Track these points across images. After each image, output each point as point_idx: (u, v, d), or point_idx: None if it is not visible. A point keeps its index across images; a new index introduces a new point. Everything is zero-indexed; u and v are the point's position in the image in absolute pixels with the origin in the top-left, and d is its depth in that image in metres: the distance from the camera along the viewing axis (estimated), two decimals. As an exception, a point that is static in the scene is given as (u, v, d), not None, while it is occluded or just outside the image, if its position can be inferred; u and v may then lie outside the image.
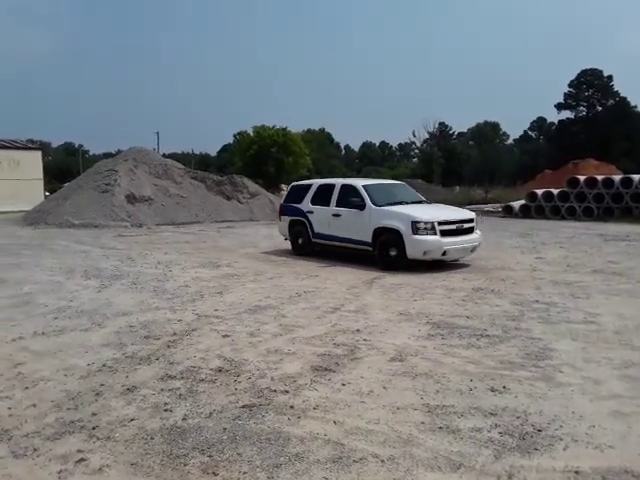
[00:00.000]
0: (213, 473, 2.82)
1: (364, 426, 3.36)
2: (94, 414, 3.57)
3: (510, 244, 13.33)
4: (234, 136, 58.29)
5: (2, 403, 3.78)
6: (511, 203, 24.11)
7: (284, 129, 46.54)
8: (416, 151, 75.24)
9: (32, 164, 38.93)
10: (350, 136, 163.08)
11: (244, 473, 2.81)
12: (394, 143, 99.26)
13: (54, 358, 4.77)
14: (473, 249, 9.84)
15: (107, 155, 56.89)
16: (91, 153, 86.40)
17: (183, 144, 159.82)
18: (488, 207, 27.58)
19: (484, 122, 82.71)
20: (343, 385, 4.04)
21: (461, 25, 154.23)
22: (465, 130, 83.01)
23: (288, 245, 12.27)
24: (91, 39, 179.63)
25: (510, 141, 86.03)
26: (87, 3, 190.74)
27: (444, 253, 9.26)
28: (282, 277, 8.91)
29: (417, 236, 9.03)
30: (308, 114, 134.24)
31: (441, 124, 71.33)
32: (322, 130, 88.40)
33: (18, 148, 39.73)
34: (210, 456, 2.99)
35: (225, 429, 3.32)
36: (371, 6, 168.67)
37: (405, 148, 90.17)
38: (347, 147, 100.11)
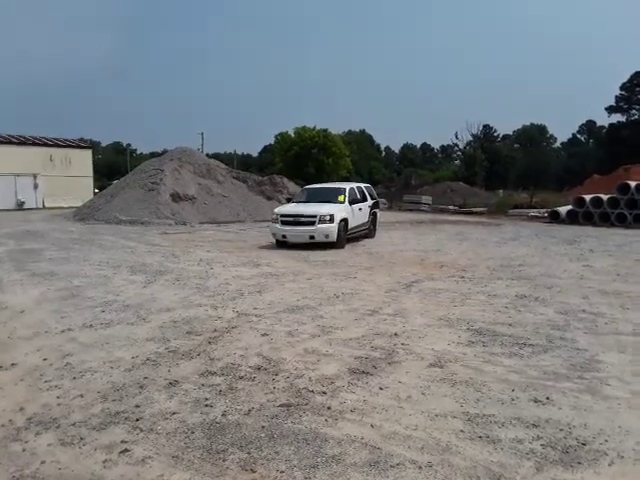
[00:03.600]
0: (251, 470, 2.86)
1: (402, 431, 3.33)
2: (137, 406, 3.69)
3: (556, 251, 12.90)
4: (275, 137, 58.89)
5: (52, 392, 3.96)
6: (557, 208, 23.33)
7: (325, 130, 46.72)
8: (459, 153, 73.88)
9: (83, 162, 40.62)
10: (391, 138, 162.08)
11: (281, 472, 2.84)
12: (436, 145, 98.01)
13: (101, 350, 4.96)
14: (311, 237, 12.89)
15: (153, 154, 58.54)
16: (138, 152, 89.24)
17: (226, 144, 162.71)
18: (533, 212, 26.78)
19: (530, 124, 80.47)
20: (380, 389, 4.02)
21: (508, 27, 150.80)
22: (510, 132, 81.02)
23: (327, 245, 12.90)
24: (140, 42, 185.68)
25: (557, 144, 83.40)
26: (135, 7, 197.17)
27: (284, 237, 13.18)
28: (320, 278, 8.95)
29: (273, 223, 13.54)
30: (349, 115, 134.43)
31: (485, 126, 69.92)
32: (363, 131, 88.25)
33: (70, 146, 41.48)
34: (248, 453, 3.04)
35: (263, 427, 3.36)
36: (419, 6, 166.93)
37: (447, 150, 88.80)
38: (387, 149, 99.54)
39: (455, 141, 69.98)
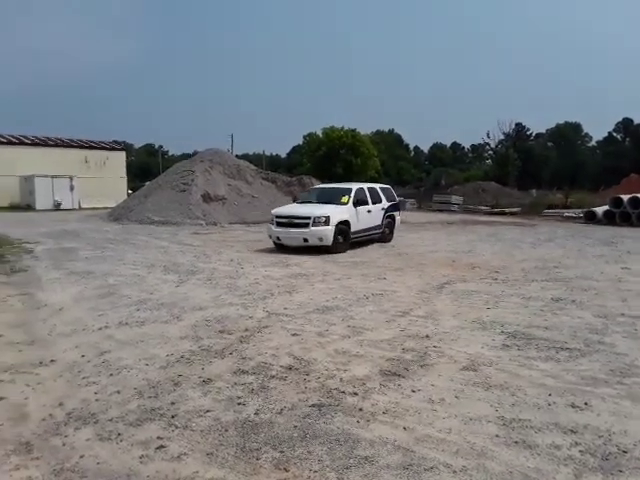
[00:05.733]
0: (284, 469, 2.88)
1: (435, 434, 3.29)
2: (173, 403, 3.76)
3: (593, 252, 12.54)
4: (304, 137, 59.13)
5: (90, 388, 4.07)
6: (594, 209, 22.71)
7: (353, 130, 46.57)
8: (490, 152, 72.52)
9: (117, 164, 41.69)
10: (420, 137, 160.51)
11: (314, 472, 2.85)
12: (466, 144, 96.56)
13: (136, 347, 5.07)
14: (305, 240, 12.13)
15: (185, 156, 59.61)
16: (170, 154, 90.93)
17: (255, 145, 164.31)
18: (568, 212, 26.11)
19: (564, 123, 78.40)
20: (413, 391, 3.98)
21: (540, 25, 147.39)
22: (543, 131, 79.12)
23: (356, 246, 12.76)
24: (172, 44, 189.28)
25: (592, 143, 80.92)
26: (168, 11, 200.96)
27: (278, 239, 12.61)
28: (350, 278, 8.93)
29: (270, 224, 13.01)
30: (378, 115, 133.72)
31: (517, 125, 68.45)
32: (391, 131, 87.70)
33: (104, 148, 42.61)
34: (281, 452, 3.06)
35: (296, 426, 3.38)
36: (450, 4, 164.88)
37: (478, 149, 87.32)
38: (416, 148, 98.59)
39: (486, 140, 68.85)
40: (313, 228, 12.08)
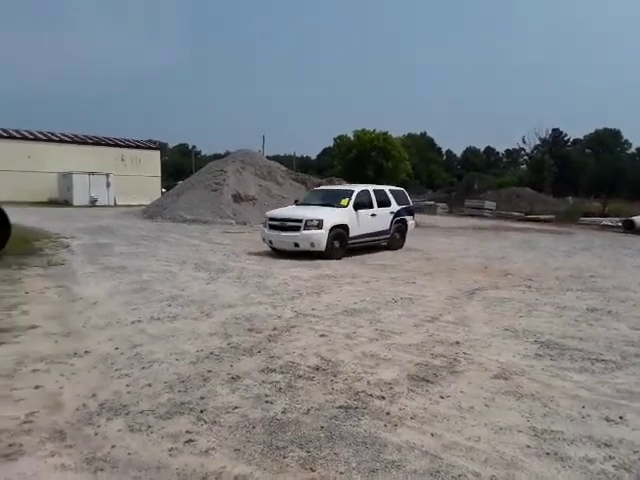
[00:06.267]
0: (311, 469, 2.88)
1: (464, 442, 3.24)
2: (202, 398, 3.81)
3: (631, 263, 12.13)
4: (334, 140, 59.11)
5: (122, 380, 4.16)
6: (633, 217, 21.96)
7: (385, 133, 46.34)
8: (525, 158, 70.99)
9: (151, 163, 42.69)
10: (452, 141, 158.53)
11: (340, 473, 2.84)
12: (501, 149, 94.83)
13: (167, 342, 5.16)
14: (296, 245, 11.33)
15: (217, 156, 60.35)
16: (202, 154, 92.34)
17: (285, 147, 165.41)
18: (606, 221, 25.33)
19: (603, 129, 76.07)
20: (441, 397, 3.93)
21: (575, 28, 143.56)
22: (581, 137, 76.96)
23: (382, 249, 12.57)
24: (205, 51, 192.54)
25: (632, 150, 78.19)
26: (206, 17, 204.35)
27: (270, 242, 11.98)
28: (378, 281, 8.88)
29: (263, 227, 12.42)
30: (409, 118, 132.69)
31: (554, 130, 66.78)
32: (423, 134, 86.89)
33: (140, 147, 43.69)
34: (308, 452, 3.06)
35: (322, 427, 3.38)
36: (498, 6, 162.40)
37: (513, 154, 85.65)
38: (449, 152, 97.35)
39: (522, 145, 67.39)
40: (305, 232, 11.25)
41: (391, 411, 3.66)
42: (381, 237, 13.25)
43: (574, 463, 3.02)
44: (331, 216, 11.64)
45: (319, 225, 11.24)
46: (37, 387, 3.96)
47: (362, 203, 12.45)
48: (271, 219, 12.05)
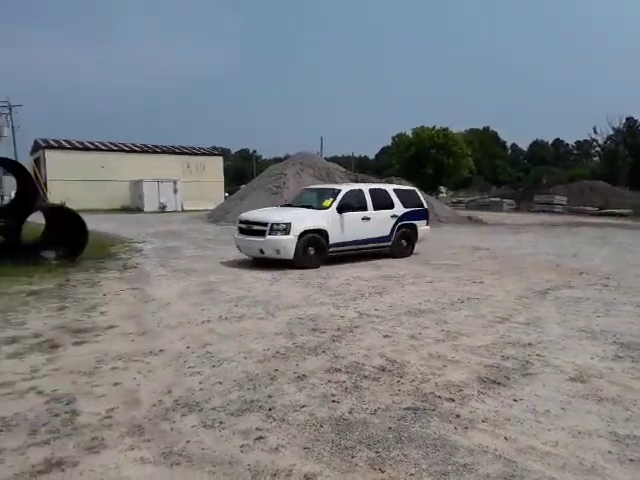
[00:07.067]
0: (380, 469, 2.85)
1: (540, 447, 3.10)
2: (270, 396, 3.89)
3: None
4: (392, 138, 58.47)
5: (194, 378, 4.31)
6: None
7: (445, 129, 45.31)
8: (597, 149, 66.91)
9: (215, 168, 44.15)
10: (518, 134, 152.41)
11: (411, 475, 2.80)
12: (570, 141, 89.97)
13: (235, 341, 5.31)
14: (262, 251, 10.13)
15: (276, 160, 61.44)
16: (263, 158, 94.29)
17: (343, 147, 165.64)
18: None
19: (686, 115, 70.20)
20: (514, 401, 3.78)
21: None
22: (661, 125, 71.41)
23: (450, 248, 12.00)
24: (266, 57, 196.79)
25: None
26: (264, 22, 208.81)
27: (239, 247, 10.94)
28: (442, 281, 8.69)
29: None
30: (471, 113, 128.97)
31: (629, 119, 62.45)
32: (486, 129, 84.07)
33: (204, 154, 45.30)
34: (377, 452, 3.04)
35: (390, 428, 3.34)
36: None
37: (584, 146, 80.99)
38: (514, 146, 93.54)
39: (593, 136, 63.53)
40: (269, 237, 9.89)
41: (461, 414, 3.56)
42: (378, 244, 11.51)
43: (664, 473, 2.81)
44: (303, 219, 10.28)
45: (286, 230, 9.87)
46: (116, 384, 4.18)
47: (350, 205, 10.87)
48: (240, 222, 10.88)
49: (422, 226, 12.35)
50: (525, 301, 7.08)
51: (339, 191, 11.10)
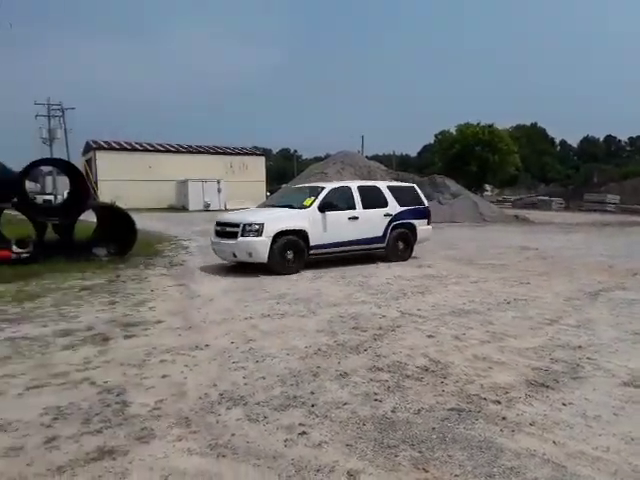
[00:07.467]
0: (424, 469, 2.83)
1: (590, 452, 2.99)
2: (312, 393, 3.92)
3: None
4: (435, 136, 57.48)
5: (238, 373, 4.40)
6: None
7: (490, 126, 44.18)
8: (653, 145, 63.61)
9: (257, 168, 44.81)
10: (568, 131, 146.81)
11: (455, 476, 2.76)
12: (623, 137, 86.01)
13: (277, 338, 5.38)
14: (234, 255, 9.58)
15: (317, 159, 61.66)
16: (303, 157, 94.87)
17: (385, 146, 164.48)
18: None
19: None
20: (563, 404, 3.65)
21: None
22: None
23: (496, 247, 11.70)
24: (308, 58, 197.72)
25: None
26: (306, 22, 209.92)
27: (214, 250, 10.34)
28: (487, 282, 8.49)
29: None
30: (518, 109, 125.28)
31: (689, 112, 59.07)
32: (534, 125, 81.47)
33: (246, 154, 46.05)
34: (420, 452, 3.01)
35: (434, 428, 3.30)
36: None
37: (637, 142, 77.26)
38: (563, 143, 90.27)
39: (649, 131, 60.51)
40: (241, 239, 9.27)
41: (507, 416, 3.48)
42: (369, 246, 10.74)
43: None
44: (279, 220, 9.63)
45: (259, 231, 9.20)
46: (164, 376, 4.31)
47: (333, 204, 10.11)
48: (217, 223, 10.30)
49: (422, 226, 11.50)
50: (575, 303, 6.83)
51: (322, 189, 10.39)
